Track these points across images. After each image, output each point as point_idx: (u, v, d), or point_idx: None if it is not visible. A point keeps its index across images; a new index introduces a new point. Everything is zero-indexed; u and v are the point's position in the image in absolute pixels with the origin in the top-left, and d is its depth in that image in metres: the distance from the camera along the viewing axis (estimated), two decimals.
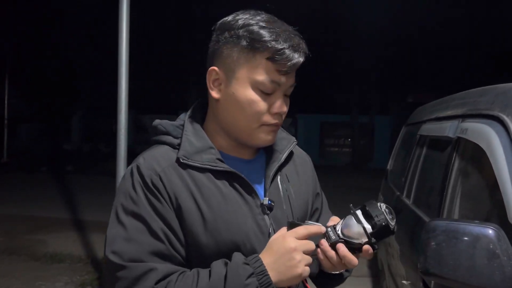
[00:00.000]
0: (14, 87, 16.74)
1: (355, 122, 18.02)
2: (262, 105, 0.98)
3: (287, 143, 1.14)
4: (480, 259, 1.14)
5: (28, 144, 18.06)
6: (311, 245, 0.93)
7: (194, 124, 1.04)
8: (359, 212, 0.93)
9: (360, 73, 16.04)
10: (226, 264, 0.91)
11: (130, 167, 1.00)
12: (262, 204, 1.01)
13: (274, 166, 1.07)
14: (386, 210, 0.93)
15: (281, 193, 1.06)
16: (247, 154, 1.07)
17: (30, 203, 8.49)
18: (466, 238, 1.15)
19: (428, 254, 1.20)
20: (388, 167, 4.15)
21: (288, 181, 1.10)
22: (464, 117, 1.92)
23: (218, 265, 0.91)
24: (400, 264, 2.47)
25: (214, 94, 1.01)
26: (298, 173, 1.16)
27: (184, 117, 1.07)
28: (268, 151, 1.11)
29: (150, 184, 0.94)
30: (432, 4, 13.98)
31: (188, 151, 0.98)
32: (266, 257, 0.91)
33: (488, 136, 1.52)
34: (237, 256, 0.92)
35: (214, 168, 0.98)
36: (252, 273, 0.88)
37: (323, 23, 15.71)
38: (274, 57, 0.94)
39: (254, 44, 0.95)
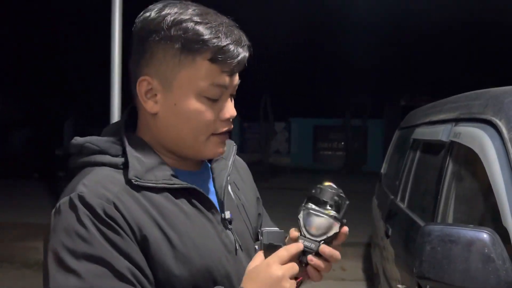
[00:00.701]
0: (4, 92, 16.62)
1: (348, 125, 18.07)
2: (210, 113, 0.86)
3: (230, 149, 1.02)
4: (475, 263, 1.15)
5: (19, 150, 17.91)
6: (295, 267, 0.84)
7: (134, 138, 0.89)
8: (312, 205, 0.87)
9: (353, 76, 16.10)
10: None
11: (65, 199, 0.80)
12: (223, 219, 0.91)
13: (224, 175, 0.97)
14: (332, 186, 0.88)
15: (236, 203, 0.98)
16: (193, 166, 0.95)
17: (22, 210, 8.41)
18: (461, 242, 1.16)
19: (424, 259, 1.20)
20: (382, 170, 4.16)
21: (238, 189, 1.02)
22: (457, 121, 1.93)
23: None
24: (395, 268, 2.48)
25: (150, 108, 0.86)
26: (243, 179, 1.08)
27: (115, 130, 0.91)
28: (212, 160, 0.99)
29: (103, 215, 0.76)
30: (425, 8, 14.09)
31: (139, 170, 0.82)
32: None
33: (481, 140, 1.53)
34: None
35: (171, 186, 0.84)
36: None
37: (316, 27, 15.78)
38: (217, 57, 0.82)
39: (192, 45, 0.81)
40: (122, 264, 0.76)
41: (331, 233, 0.86)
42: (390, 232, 2.74)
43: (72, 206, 0.78)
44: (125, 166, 0.84)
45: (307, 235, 0.86)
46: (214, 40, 0.82)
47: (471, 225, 1.21)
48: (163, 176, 0.85)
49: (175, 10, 0.83)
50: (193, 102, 0.84)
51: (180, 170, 0.91)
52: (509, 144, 1.38)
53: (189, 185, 0.86)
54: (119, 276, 0.75)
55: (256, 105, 18.27)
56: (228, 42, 0.83)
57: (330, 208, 0.86)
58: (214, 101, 0.86)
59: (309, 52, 16.33)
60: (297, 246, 0.85)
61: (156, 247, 0.80)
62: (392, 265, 2.59)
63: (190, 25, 0.82)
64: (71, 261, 0.74)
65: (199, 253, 0.84)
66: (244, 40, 0.87)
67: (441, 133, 2.07)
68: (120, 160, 0.85)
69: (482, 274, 1.13)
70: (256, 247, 0.90)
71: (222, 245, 0.89)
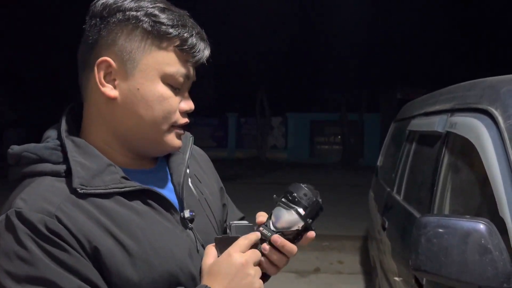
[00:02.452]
0: None
1: (344, 120, 18.06)
2: (173, 102, 0.82)
3: (186, 140, 0.96)
4: (472, 254, 1.12)
5: None
6: (257, 253, 0.82)
7: (76, 141, 0.81)
8: (284, 200, 0.87)
9: (349, 71, 16.09)
10: None
11: (2, 217, 0.73)
12: (182, 218, 0.86)
13: (181, 170, 0.91)
14: (310, 187, 0.89)
15: (197, 197, 0.93)
16: (147, 164, 0.90)
17: None
18: (457, 234, 1.14)
19: (420, 251, 1.18)
20: (378, 163, 4.15)
21: (200, 182, 0.97)
22: (453, 111, 1.91)
23: None
24: (392, 261, 2.46)
25: (109, 92, 0.80)
26: (204, 170, 1.03)
27: (55, 135, 0.83)
28: (167, 155, 0.93)
29: (45, 232, 0.70)
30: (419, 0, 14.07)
31: (83, 177, 0.76)
32: (217, 284, 0.78)
33: (477, 129, 1.51)
34: None
35: (123, 190, 0.78)
36: None
37: (311, 22, 15.73)
38: (185, 45, 0.80)
39: (161, 28, 0.78)
40: (72, 284, 0.70)
41: (292, 228, 0.85)
42: (386, 225, 2.72)
43: (9, 224, 0.71)
44: (68, 174, 0.77)
45: (271, 226, 0.86)
46: (181, 28, 0.80)
47: (467, 216, 1.19)
48: (112, 180, 0.78)
49: None
50: (158, 87, 0.81)
51: (133, 170, 0.85)
52: (505, 134, 1.36)
53: (142, 186, 0.81)
54: None
55: (252, 100, 18.23)
56: (194, 34, 0.82)
57: (299, 205, 0.86)
58: (176, 90, 0.83)
59: (305, 47, 16.29)
60: (256, 234, 0.84)
61: (110, 257, 0.74)
62: (389, 258, 2.58)
63: (156, 10, 0.79)
64: (12, 285, 0.68)
65: (159, 257, 0.79)
66: (205, 36, 0.86)
67: (437, 124, 2.04)
68: (61, 167, 0.78)
69: (479, 265, 1.11)
70: None
71: (184, 245, 0.84)
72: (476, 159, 1.51)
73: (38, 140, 0.86)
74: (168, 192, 0.89)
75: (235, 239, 0.83)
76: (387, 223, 2.73)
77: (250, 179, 13.23)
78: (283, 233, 0.85)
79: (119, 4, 0.79)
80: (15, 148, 0.81)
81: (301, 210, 0.85)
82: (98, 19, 0.81)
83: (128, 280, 0.75)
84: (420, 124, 2.55)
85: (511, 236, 1.19)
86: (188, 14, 0.85)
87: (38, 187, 0.76)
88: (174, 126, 0.85)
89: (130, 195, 0.80)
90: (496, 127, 1.42)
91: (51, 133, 0.85)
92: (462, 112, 1.77)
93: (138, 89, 0.80)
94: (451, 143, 1.88)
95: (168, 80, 0.81)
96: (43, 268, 0.69)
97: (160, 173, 0.91)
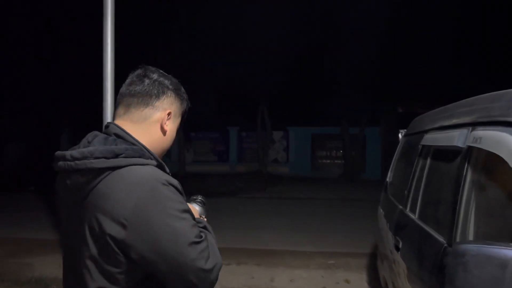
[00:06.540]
0: (0, 106, 16.44)
1: (345, 133, 17.94)
2: None
3: None
4: None
5: (15, 163, 17.68)
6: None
7: (147, 148, 1.36)
8: (194, 203, 1.66)
9: (349, 84, 16.02)
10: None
11: (156, 184, 1.24)
12: None
13: None
14: (200, 195, 1.72)
15: None
16: None
17: (16, 225, 8.19)
18: (501, 264, 1.00)
19: (457, 283, 1.04)
20: (388, 179, 4.01)
21: None
22: (474, 125, 1.79)
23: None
24: (408, 284, 2.31)
25: (166, 127, 1.43)
26: None
27: (124, 142, 1.33)
28: None
29: (180, 190, 1.30)
30: (419, 13, 14.06)
31: (166, 167, 1.37)
32: None
33: (508, 144, 1.39)
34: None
35: (169, 174, 1.40)
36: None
37: (312, 36, 15.72)
38: (185, 105, 1.50)
39: (185, 103, 1.49)
40: (190, 213, 1.28)
41: (203, 215, 1.64)
42: (400, 245, 2.58)
43: (166, 186, 1.24)
44: (158, 166, 1.32)
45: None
46: (187, 98, 1.50)
47: None
48: (167, 169, 1.37)
49: (173, 79, 1.47)
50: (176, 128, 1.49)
51: None
52: None
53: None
54: (193, 219, 1.28)
55: (253, 114, 18.14)
56: (188, 103, 1.51)
57: (203, 205, 1.67)
58: None
59: (306, 61, 16.26)
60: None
61: None
62: (404, 280, 2.42)
63: (183, 89, 1.49)
64: (180, 213, 1.23)
65: None
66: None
67: (457, 138, 1.91)
68: (154, 162, 1.32)
69: None
70: None
71: None
72: (505, 176, 1.38)
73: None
74: None
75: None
76: (400, 243, 2.59)
77: (252, 194, 13.05)
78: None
79: (171, 82, 1.45)
80: (122, 147, 1.28)
81: (203, 205, 1.67)
82: (157, 83, 1.41)
83: None
84: (435, 139, 2.42)
85: None
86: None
87: (158, 170, 1.29)
88: None
89: None
90: None
91: (121, 143, 1.31)
92: (487, 126, 1.65)
93: (173, 129, 1.45)
94: (474, 159, 1.75)
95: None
96: (185, 206, 1.26)
97: None
